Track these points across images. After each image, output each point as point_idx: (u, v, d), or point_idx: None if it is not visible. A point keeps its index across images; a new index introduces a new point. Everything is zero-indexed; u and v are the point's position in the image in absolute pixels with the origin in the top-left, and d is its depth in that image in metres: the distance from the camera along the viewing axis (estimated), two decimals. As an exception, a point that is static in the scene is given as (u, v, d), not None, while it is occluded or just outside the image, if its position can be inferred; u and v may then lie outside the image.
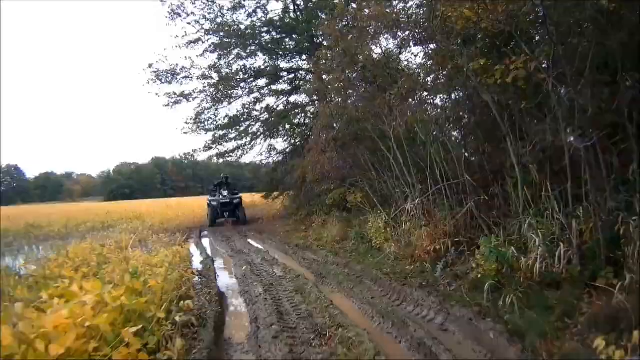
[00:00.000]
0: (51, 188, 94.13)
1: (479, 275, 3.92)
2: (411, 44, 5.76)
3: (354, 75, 6.61)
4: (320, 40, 13.60)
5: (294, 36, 14.68)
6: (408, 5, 5.97)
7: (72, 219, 18.59)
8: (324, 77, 9.43)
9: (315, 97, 13.74)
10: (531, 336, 2.80)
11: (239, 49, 14.37)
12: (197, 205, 23.48)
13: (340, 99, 7.59)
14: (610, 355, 2.15)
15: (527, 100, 4.15)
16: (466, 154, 5.47)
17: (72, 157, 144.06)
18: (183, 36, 14.02)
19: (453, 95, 5.87)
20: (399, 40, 5.85)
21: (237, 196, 16.72)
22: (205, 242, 10.82)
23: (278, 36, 15.03)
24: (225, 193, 16.37)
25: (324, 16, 13.72)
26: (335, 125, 7.66)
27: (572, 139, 3.76)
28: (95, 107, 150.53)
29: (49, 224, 16.97)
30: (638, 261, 3.15)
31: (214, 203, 16.24)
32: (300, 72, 15.76)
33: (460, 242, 4.72)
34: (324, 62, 8.47)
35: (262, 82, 15.43)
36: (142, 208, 24.78)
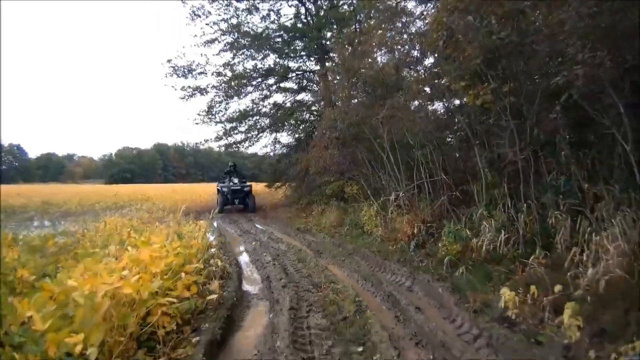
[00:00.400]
0: (52, 169, 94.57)
1: (444, 254, 5.07)
2: (408, 61, 6.89)
3: (356, 87, 7.76)
4: (329, 46, 14.71)
5: (304, 39, 15.73)
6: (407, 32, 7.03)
7: (84, 199, 19.68)
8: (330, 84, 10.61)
9: (320, 99, 14.88)
10: (466, 291, 3.96)
11: (252, 50, 15.50)
12: (202, 191, 24.69)
13: (343, 105, 8.68)
14: (508, 298, 3.27)
15: (490, 119, 5.27)
16: (443, 157, 6.59)
17: (74, 139, 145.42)
18: (201, 36, 15.19)
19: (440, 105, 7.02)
20: (397, 59, 6.93)
21: (247, 184, 17.07)
22: (215, 223, 11.95)
23: (289, 39, 16.10)
24: (235, 180, 16.85)
25: (334, 26, 14.99)
26: (337, 126, 8.77)
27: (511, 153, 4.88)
28: (99, 91, 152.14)
29: (64, 202, 18.01)
30: (561, 245, 4.27)
31: (225, 189, 16.56)
32: (308, 73, 16.86)
33: (432, 227, 5.87)
34: (330, 76, 9.62)
35: (271, 80, 16.53)
36: (149, 191, 25.84)
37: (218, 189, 17.32)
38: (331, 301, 3.99)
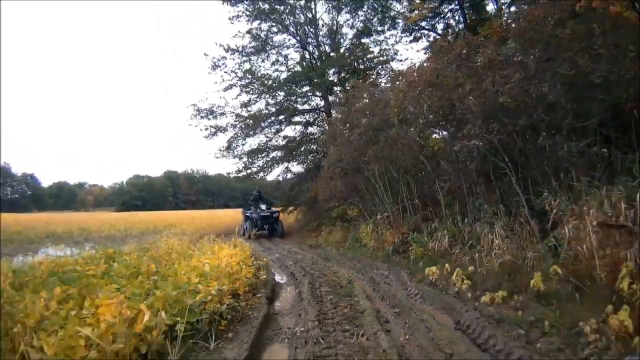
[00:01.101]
0: (64, 197, 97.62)
1: (412, 254, 7.51)
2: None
3: (353, 134, 10.36)
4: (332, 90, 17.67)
5: (310, 82, 18.60)
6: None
7: (114, 225, 22.21)
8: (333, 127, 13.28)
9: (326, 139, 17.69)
10: (417, 273, 6.41)
11: (264, 92, 18.37)
12: (219, 217, 27.26)
13: (343, 146, 11.24)
14: (431, 272, 5.74)
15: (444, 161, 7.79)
16: (417, 186, 9.07)
17: (84, 167, 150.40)
18: (221, 82, 18.11)
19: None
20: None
21: (275, 210, 18.00)
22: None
23: (296, 82, 18.97)
24: (263, 207, 17.77)
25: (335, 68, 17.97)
26: (340, 161, 11.31)
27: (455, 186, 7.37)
28: (109, 121, 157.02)
29: (98, 229, 20.51)
30: (479, 243, 6.64)
31: (254, 216, 17.34)
32: (314, 111, 19.67)
33: (407, 236, 8.32)
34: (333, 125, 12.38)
35: (281, 117, 19.30)
36: (170, 218, 28.42)
37: (247, 216, 17.91)
38: (333, 281, 6.49)
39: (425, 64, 7.44)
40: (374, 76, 17.88)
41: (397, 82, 8.92)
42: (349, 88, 13.49)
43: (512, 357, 3.12)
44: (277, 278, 7.39)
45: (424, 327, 4.08)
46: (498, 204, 6.36)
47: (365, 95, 10.31)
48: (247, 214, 17.97)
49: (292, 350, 3.58)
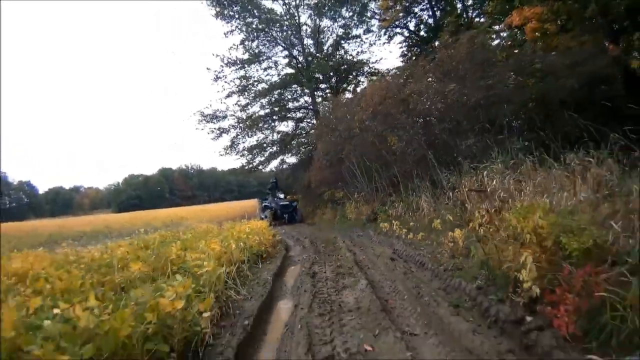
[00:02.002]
0: (61, 202, 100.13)
1: (379, 220, 11.01)
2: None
3: (335, 134, 13.82)
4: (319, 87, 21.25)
5: (299, 82, 22.11)
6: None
7: (132, 223, 25.50)
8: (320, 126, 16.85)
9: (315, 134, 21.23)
10: (378, 230, 9.92)
11: (259, 97, 21.88)
12: (222, 209, 30.77)
13: (328, 142, 14.69)
14: (383, 225, 9.26)
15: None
16: (384, 171, 12.54)
17: (78, 171, 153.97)
18: (222, 91, 21.60)
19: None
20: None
21: (293, 200, 19.24)
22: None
23: (286, 83, 22.50)
24: (281, 196, 19.00)
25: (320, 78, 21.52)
26: (327, 154, 14.77)
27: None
28: (100, 121, 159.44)
29: (121, 227, 23.78)
30: (419, 209, 10.11)
31: (273, 205, 18.58)
32: (304, 109, 23.21)
33: (377, 209, 11.81)
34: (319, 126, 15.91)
35: (275, 116, 22.83)
36: (179, 213, 31.83)
37: (265, 205, 19.22)
38: (324, 239, 10.02)
39: (374, 91, 10.94)
40: (354, 82, 21.64)
41: (359, 102, 12.42)
42: (328, 103, 17.20)
43: (408, 254, 6.59)
44: (288, 241, 10.86)
45: (372, 252, 7.60)
46: (426, 181, 9.81)
47: (339, 107, 13.92)
48: (266, 204, 19.21)
49: (300, 266, 7.06)
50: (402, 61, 22.01)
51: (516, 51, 11.99)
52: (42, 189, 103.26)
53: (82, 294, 3.53)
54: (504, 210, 4.99)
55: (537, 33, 12.40)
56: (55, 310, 2.69)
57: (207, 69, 21.11)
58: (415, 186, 10.12)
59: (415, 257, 6.22)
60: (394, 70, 19.30)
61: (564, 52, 10.90)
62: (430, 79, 9.29)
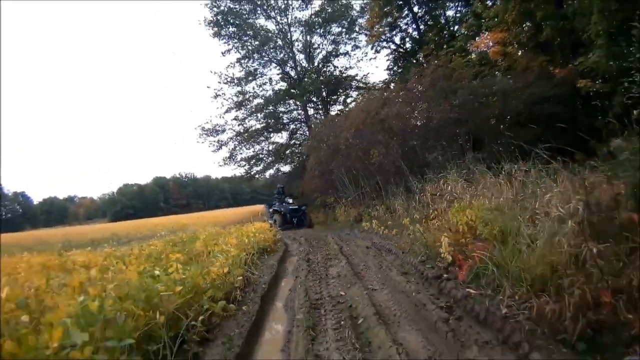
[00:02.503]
0: (55, 212, 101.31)
1: (364, 221, 13.00)
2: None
3: (325, 148, 15.84)
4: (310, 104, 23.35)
5: (291, 99, 24.24)
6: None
7: (137, 230, 27.33)
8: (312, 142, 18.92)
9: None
10: (361, 228, 11.92)
11: (255, 112, 23.99)
12: (221, 216, 32.58)
13: (318, 156, 16.72)
14: (365, 225, 11.26)
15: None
16: (369, 179, 14.55)
17: (72, 180, 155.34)
18: (221, 107, 23.72)
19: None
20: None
21: (302, 204, 19.21)
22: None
23: (279, 97, 24.61)
24: (290, 200, 19.24)
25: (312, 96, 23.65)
26: (319, 165, 16.79)
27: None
28: (94, 129, 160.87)
29: (127, 234, 25.56)
30: (396, 211, 12.13)
31: (283, 209, 18.69)
32: (297, 121, 25.33)
33: (362, 212, 13.80)
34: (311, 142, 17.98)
35: (270, 129, 24.92)
36: (181, 220, 33.57)
37: (275, 209, 19.19)
38: (317, 237, 11.99)
39: (357, 113, 13.00)
40: (343, 94, 23.79)
41: (345, 121, 14.47)
42: (319, 120, 19.29)
43: (381, 245, 8.57)
44: (286, 240, 12.79)
45: (355, 245, 9.58)
46: (401, 187, 11.82)
47: (327, 125, 15.99)
48: (275, 208, 19.22)
49: (297, 256, 9.01)
50: (389, 74, 24.19)
51: (482, 69, 14.00)
52: (36, 199, 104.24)
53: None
54: (450, 209, 6.92)
55: (499, 55, 14.33)
56: (156, 272, 4.62)
57: (207, 87, 23.71)
58: (393, 191, 12.10)
59: (385, 246, 8.22)
60: (379, 86, 21.54)
61: (521, 73, 12.92)
62: (401, 104, 11.35)
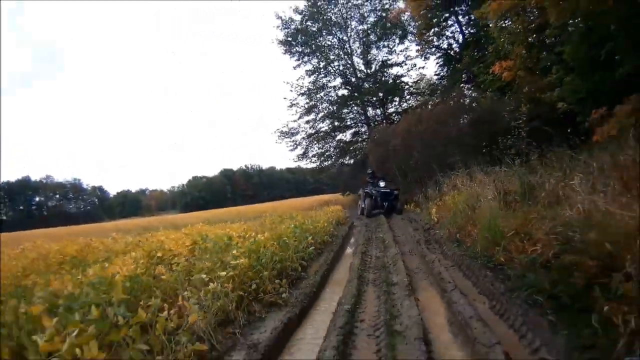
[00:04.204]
0: (129, 204, 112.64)
1: (408, 206, 18.75)
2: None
3: (380, 150, 21.75)
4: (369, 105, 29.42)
5: (353, 104, 30.37)
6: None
7: (223, 217, 34.19)
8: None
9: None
10: (405, 210, 17.76)
11: (325, 118, 30.33)
12: (293, 205, 38.89)
13: (377, 154, 22.63)
14: (406, 208, 17.10)
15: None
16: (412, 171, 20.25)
17: (143, 174, 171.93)
18: (294, 114, 30.27)
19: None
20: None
21: (395, 188, 19.42)
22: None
23: (343, 103, 30.82)
24: (383, 184, 19.44)
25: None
26: (376, 161, 22.71)
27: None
28: (162, 126, 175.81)
29: (219, 219, 32.35)
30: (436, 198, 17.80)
31: (374, 192, 19.19)
32: (359, 122, 31.41)
33: (407, 199, 19.58)
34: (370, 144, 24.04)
35: (337, 131, 31.22)
36: (258, 209, 40.25)
37: (367, 192, 19.77)
38: (374, 217, 17.93)
39: (402, 126, 18.76)
40: (397, 96, 29.57)
41: (394, 131, 20.26)
42: (377, 123, 25.29)
43: (412, 219, 14.45)
44: (351, 219, 18.80)
45: (396, 219, 15.52)
46: (433, 181, 17.44)
47: (381, 133, 21.95)
48: (367, 191, 19.76)
49: (359, 226, 15.11)
50: (437, 78, 29.67)
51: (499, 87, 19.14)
52: (111, 192, 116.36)
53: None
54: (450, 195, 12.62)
55: (510, 78, 19.42)
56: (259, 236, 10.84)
57: (284, 98, 30.32)
58: (427, 184, 17.70)
59: (413, 218, 14.27)
60: (428, 91, 27.20)
61: (515, 96, 17.92)
62: (430, 121, 17.05)
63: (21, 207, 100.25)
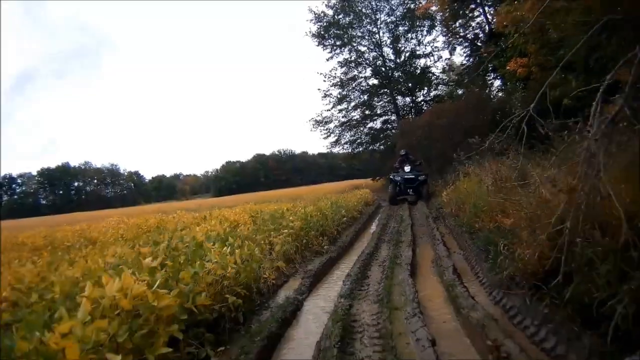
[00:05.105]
0: (164, 188, 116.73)
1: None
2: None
3: (406, 139, 24.48)
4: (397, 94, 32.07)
5: (383, 94, 33.02)
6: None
7: (260, 200, 37.49)
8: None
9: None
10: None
11: (357, 107, 33.13)
12: (328, 189, 41.86)
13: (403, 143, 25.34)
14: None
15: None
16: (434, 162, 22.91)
17: (176, 159, 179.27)
18: (328, 104, 33.04)
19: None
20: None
21: (422, 173, 18.96)
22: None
23: (373, 92, 33.50)
24: (407, 169, 19.16)
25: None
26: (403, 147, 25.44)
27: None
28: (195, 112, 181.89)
29: (256, 201, 35.69)
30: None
31: (398, 178, 18.80)
32: (388, 112, 34.05)
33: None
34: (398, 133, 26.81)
35: (367, 118, 33.93)
36: (293, 193, 43.36)
37: (392, 178, 19.50)
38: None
39: (424, 119, 21.41)
40: (426, 85, 32.01)
41: (418, 123, 22.91)
42: (402, 122, 28.02)
43: (430, 201, 17.22)
44: (378, 201, 21.65)
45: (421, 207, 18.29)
46: (451, 168, 20.05)
47: (408, 125, 24.68)
48: (391, 177, 19.65)
49: (385, 207, 17.98)
50: (463, 68, 31.88)
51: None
52: (147, 177, 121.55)
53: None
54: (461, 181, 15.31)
55: (524, 74, 21.60)
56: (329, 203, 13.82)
57: (318, 89, 33.24)
58: (447, 170, 20.31)
59: (432, 203, 16.85)
60: (456, 79, 29.62)
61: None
62: (448, 116, 19.66)
63: (61, 192, 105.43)
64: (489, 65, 29.07)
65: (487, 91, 24.37)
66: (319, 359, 3.57)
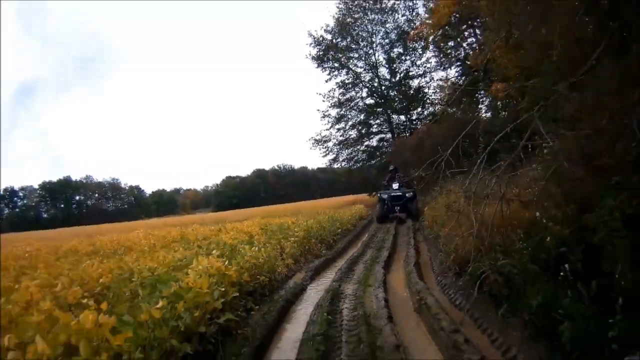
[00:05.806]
0: (165, 203, 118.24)
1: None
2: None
3: (400, 157, 27.16)
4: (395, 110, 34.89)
5: (379, 114, 35.83)
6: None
7: (262, 214, 39.98)
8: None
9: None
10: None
11: (353, 127, 35.90)
12: (326, 204, 44.36)
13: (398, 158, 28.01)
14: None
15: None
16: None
17: (177, 173, 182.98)
18: (326, 124, 35.87)
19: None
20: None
21: (409, 189, 18.57)
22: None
23: (369, 111, 36.31)
24: (395, 186, 19.13)
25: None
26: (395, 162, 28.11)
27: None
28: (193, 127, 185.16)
29: (262, 215, 38.24)
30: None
31: (384, 196, 18.84)
32: (383, 131, 36.84)
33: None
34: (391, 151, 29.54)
35: (364, 137, 36.70)
36: (291, 208, 45.92)
37: (380, 196, 19.58)
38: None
39: (414, 139, 24.09)
40: (420, 104, 34.76)
41: (410, 142, 25.60)
42: (400, 130, 30.71)
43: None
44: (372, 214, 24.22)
45: (407, 223, 20.91)
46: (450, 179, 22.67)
47: (400, 145, 27.40)
48: (379, 194, 19.74)
49: (375, 221, 20.57)
50: (454, 88, 34.61)
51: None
52: (147, 191, 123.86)
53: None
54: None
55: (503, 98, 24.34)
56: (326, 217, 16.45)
57: (317, 110, 36.09)
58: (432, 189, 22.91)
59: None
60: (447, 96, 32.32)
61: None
62: (434, 136, 22.35)
63: (62, 205, 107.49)
64: (480, 84, 31.82)
65: (477, 110, 27.03)
66: (318, 309, 6.12)
